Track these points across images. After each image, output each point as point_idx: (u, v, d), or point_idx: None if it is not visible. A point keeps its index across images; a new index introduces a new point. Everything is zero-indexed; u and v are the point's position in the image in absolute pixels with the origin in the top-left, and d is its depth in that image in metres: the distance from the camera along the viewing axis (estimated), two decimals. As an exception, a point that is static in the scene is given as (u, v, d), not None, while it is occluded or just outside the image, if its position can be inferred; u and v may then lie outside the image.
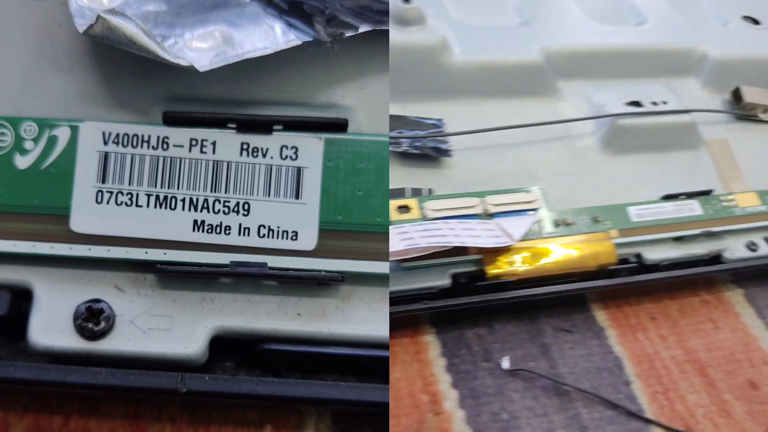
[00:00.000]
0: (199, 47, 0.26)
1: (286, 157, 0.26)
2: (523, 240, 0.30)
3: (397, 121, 0.33)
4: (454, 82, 0.36)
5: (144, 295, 0.25)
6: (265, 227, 0.25)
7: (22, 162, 0.25)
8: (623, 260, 0.32)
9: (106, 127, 0.25)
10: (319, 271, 0.25)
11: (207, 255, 0.25)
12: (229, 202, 0.25)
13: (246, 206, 0.25)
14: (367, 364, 0.25)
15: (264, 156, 0.25)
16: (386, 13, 0.27)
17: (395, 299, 0.28)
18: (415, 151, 0.32)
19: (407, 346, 0.30)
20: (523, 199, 0.31)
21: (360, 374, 0.26)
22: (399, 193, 0.31)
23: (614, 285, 0.31)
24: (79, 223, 0.25)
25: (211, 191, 0.25)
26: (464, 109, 0.35)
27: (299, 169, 0.26)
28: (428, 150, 0.33)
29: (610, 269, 0.31)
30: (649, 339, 0.32)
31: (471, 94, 0.36)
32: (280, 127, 0.26)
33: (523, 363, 0.29)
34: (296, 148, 0.26)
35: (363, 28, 0.27)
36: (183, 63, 0.24)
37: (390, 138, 0.31)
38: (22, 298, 0.25)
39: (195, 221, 0.25)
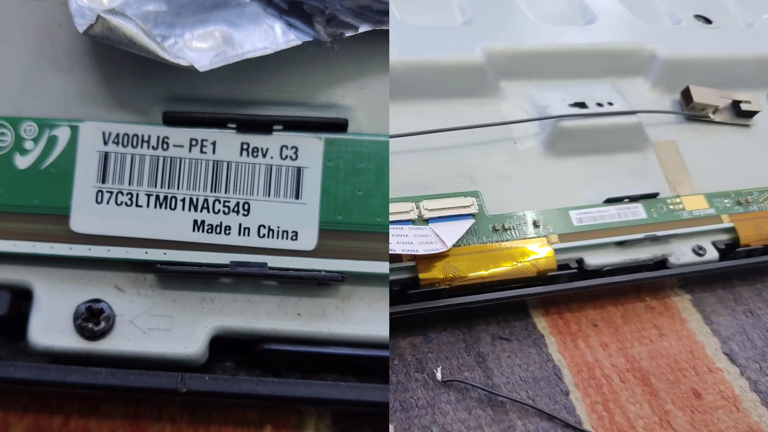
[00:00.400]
0: (199, 47, 0.26)
1: (286, 157, 0.26)
2: (458, 246, 0.29)
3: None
4: (392, 82, 0.35)
5: (144, 295, 0.25)
6: (265, 227, 0.25)
7: (22, 162, 0.25)
8: (564, 266, 0.31)
9: (106, 127, 0.25)
10: (319, 271, 0.25)
11: (207, 255, 0.25)
12: (229, 202, 0.25)
13: (246, 206, 0.25)
14: (367, 364, 0.25)
15: (264, 156, 0.25)
16: (386, 13, 0.27)
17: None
18: None
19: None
20: (460, 204, 0.30)
21: (360, 374, 0.26)
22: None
23: (554, 291, 0.30)
24: (79, 223, 0.25)
25: (211, 191, 0.25)
26: (402, 111, 0.34)
27: (299, 169, 0.26)
28: None
29: (550, 275, 0.30)
30: (590, 346, 0.31)
31: (409, 95, 0.35)
32: (280, 127, 0.26)
33: (458, 373, 0.29)
34: (296, 148, 0.26)
35: (363, 28, 0.27)
36: (183, 63, 0.24)
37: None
38: (22, 298, 0.25)
39: (195, 221, 0.25)
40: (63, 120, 0.25)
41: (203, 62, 0.25)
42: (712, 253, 0.33)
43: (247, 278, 0.25)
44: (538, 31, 0.39)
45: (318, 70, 0.27)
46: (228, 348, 0.26)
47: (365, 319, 0.26)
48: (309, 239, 0.25)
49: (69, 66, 0.27)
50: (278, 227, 0.25)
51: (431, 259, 0.29)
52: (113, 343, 0.24)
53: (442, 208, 0.30)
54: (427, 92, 0.36)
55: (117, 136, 0.25)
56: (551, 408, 0.28)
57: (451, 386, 0.28)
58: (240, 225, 0.25)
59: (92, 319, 0.24)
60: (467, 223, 0.30)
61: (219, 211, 0.25)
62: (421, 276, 0.29)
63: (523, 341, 0.31)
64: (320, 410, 0.27)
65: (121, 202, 0.25)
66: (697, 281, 0.34)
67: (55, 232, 0.25)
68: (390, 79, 0.34)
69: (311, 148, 0.26)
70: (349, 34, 0.27)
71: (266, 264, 0.25)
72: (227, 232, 0.25)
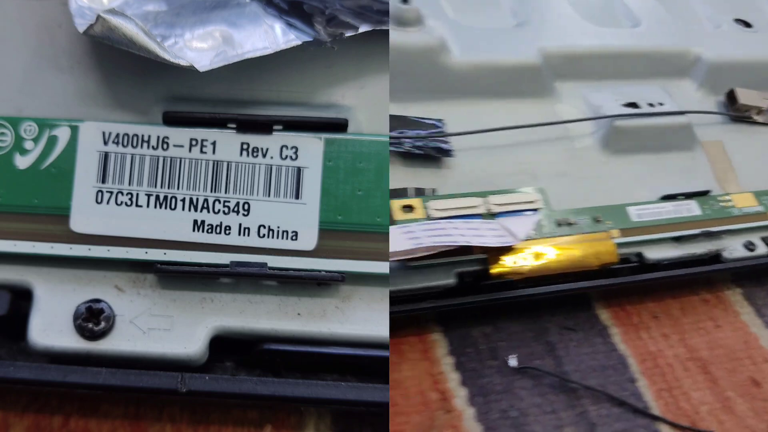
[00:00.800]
0: (199, 47, 0.26)
1: (286, 157, 0.26)
2: (526, 239, 0.30)
3: (397, 122, 0.33)
4: (453, 82, 0.36)
5: (144, 295, 0.25)
6: (265, 227, 0.25)
7: (22, 162, 0.25)
8: (625, 259, 0.32)
9: (106, 127, 0.25)
10: (319, 271, 0.25)
11: (207, 255, 0.25)
12: (229, 202, 0.25)
13: (246, 206, 0.25)
14: (367, 364, 0.25)
15: (264, 156, 0.25)
16: (386, 13, 0.27)
17: (402, 298, 0.28)
18: (418, 152, 0.32)
19: (415, 344, 0.30)
20: (525, 199, 0.32)
21: (360, 374, 0.26)
22: (401, 192, 0.30)
23: (616, 284, 0.31)
24: (79, 223, 0.25)
25: (211, 191, 0.25)
26: (463, 110, 0.35)
27: (299, 169, 0.26)
28: (430, 150, 0.33)
29: (612, 268, 0.31)
30: (652, 337, 0.32)
31: (470, 95, 0.36)
32: (280, 127, 0.26)
33: (529, 361, 0.30)
34: (296, 148, 0.26)
35: (363, 28, 0.27)
36: (183, 63, 0.24)
37: (391, 138, 0.31)
38: (22, 298, 0.25)
39: (195, 221, 0.25)
40: (63, 120, 0.25)
41: (203, 62, 0.25)
42: (762, 249, 0.34)
43: (247, 278, 0.25)
44: (587, 33, 0.40)
45: (318, 70, 0.28)
46: (228, 348, 0.26)
47: (365, 319, 0.26)
48: (309, 239, 0.25)
49: (69, 66, 0.27)
50: (278, 227, 0.25)
51: (500, 251, 0.30)
52: (113, 343, 0.24)
53: (509, 203, 0.31)
54: (486, 92, 0.36)
55: (117, 136, 0.25)
56: (620, 395, 0.29)
57: (525, 373, 0.29)
58: (240, 225, 0.25)
59: (92, 319, 0.24)
60: (535, 217, 0.31)
61: (219, 211, 0.25)
62: (492, 268, 0.29)
63: (588, 331, 0.32)
64: (320, 410, 0.26)
65: (121, 202, 0.25)
66: (747, 275, 0.35)
67: (55, 232, 0.25)
68: (452, 79, 0.36)
69: (311, 148, 0.26)
70: (349, 34, 0.27)
71: (266, 264, 0.25)
72: (227, 232, 0.25)
